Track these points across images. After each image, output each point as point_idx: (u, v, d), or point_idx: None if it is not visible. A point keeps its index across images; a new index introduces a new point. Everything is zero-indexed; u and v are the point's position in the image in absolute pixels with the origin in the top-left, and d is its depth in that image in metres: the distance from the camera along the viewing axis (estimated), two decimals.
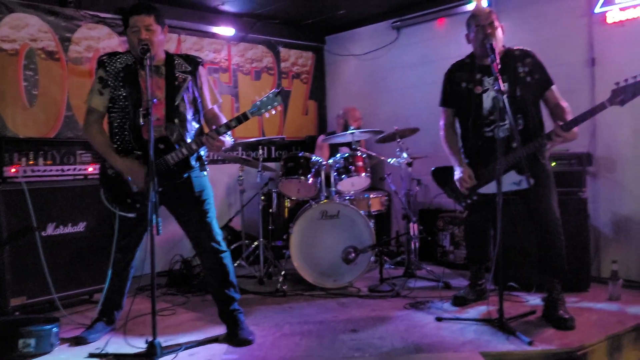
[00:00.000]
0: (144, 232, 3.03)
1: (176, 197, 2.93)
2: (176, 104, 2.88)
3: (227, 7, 5.18)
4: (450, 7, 5.01)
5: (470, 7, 4.76)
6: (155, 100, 2.77)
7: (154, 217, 2.56)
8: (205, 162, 3.05)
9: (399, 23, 5.48)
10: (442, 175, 3.44)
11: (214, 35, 5.37)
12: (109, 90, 2.87)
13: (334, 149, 5.23)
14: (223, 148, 2.90)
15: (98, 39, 4.64)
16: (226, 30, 5.37)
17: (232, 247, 4.76)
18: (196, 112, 2.99)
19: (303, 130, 6.16)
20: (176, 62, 2.96)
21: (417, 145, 4.75)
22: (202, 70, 3.04)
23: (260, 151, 4.51)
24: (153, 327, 2.61)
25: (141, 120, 2.77)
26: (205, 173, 3.04)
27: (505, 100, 2.86)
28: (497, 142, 2.96)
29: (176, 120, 2.88)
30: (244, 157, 4.75)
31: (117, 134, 2.88)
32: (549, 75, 3.20)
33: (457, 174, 3.26)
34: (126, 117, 2.86)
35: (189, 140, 2.88)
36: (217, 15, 5.29)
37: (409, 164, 4.41)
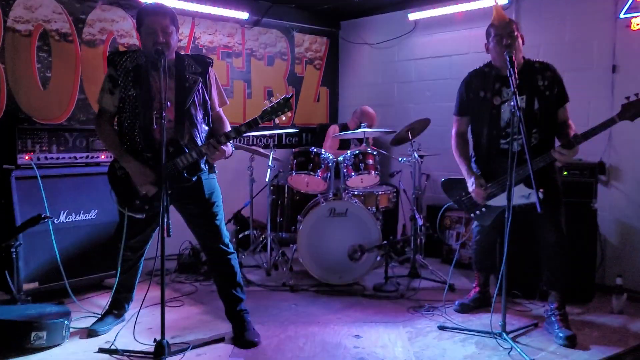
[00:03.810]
0: (152, 231, 3.07)
1: (185, 198, 2.94)
2: (187, 106, 2.85)
3: None
4: (468, 2, 4.90)
5: (489, 2, 4.68)
6: (169, 103, 2.76)
7: (165, 220, 2.59)
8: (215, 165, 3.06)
9: (416, 13, 5.38)
10: (452, 186, 3.44)
11: (227, 19, 5.30)
12: (119, 89, 2.84)
13: (344, 142, 5.22)
14: (224, 156, 2.89)
15: (112, 21, 4.59)
16: (240, 14, 5.29)
17: (240, 236, 4.83)
18: (206, 114, 2.96)
19: (314, 117, 6.13)
20: (186, 62, 2.92)
21: (428, 142, 4.70)
22: (211, 72, 3.00)
23: (271, 140, 4.53)
24: (162, 328, 2.66)
25: (154, 124, 2.77)
26: (214, 175, 3.06)
27: (522, 118, 2.83)
28: (511, 155, 2.93)
29: (186, 123, 2.85)
30: (254, 147, 4.74)
31: (127, 135, 2.87)
32: (566, 91, 3.17)
33: (471, 184, 3.25)
34: (136, 119, 2.83)
35: (199, 143, 2.88)
36: None
37: (421, 157, 4.41)
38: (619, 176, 4.13)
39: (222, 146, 2.80)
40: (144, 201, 2.87)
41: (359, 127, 4.85)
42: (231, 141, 2.87)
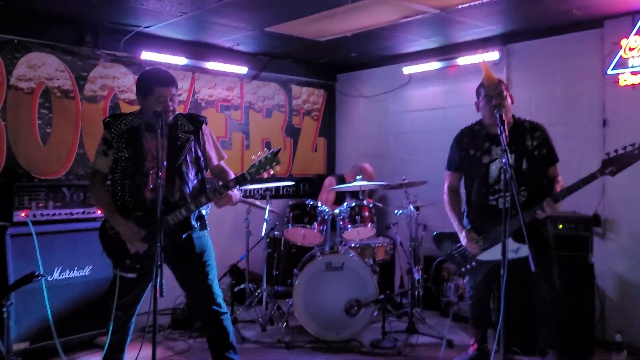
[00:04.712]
0: (144, 290, 3.04)
1: (177, 257, 2.93)
2: (178, 164, 2.88)
3: (241, 48, 5.25)
4: (460, 57, 5.03)
5: (484, 57, 4.78)
6: (165, 163, 2.79)
7: (159, 280, 2.56)
8: (207, 221, 3.06)
9: (410, 67, 5.50)
10: (443, 239, 3.44)
11: (227, 74, 5.42)
12: (113, 151, 2.89)
13: (340, 195, 5.25)
14: (231, 202, 2.90)
15: (113, 77, 4.70)
16: (239, 69, 5.42)
17: (236, 289, 4.78)
18: (199, 171, 2.99)
19: (311, 168, 6.19)
20: (179, 122, 2.97)
21: (425, 192, 4.72)
22: (205, 129, 3.04)
23: (268, 193, 4.56)
24: None
25: (149, 183, 2.80)
26: (206, 232, 3.06)
27: (513, 174, 2.85)
28: (504, 211, 2.94)
29: (177, 181, 2.88)
30: (250, 200, 4.76)
31: (118, 194, 2.89)
32: (555, 152, 3.23)
33: (463, 239, 3.26)
34: (127, 178, 2.87)
35: (189, 201, 2.90)
36: (231, 54, 5.35)
37: (417, 208, 4.43)
38: (615, 228, 4.12)
39: (229, 192, 2.81)
40: (135, 260, 2.86)
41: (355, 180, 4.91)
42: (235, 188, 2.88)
